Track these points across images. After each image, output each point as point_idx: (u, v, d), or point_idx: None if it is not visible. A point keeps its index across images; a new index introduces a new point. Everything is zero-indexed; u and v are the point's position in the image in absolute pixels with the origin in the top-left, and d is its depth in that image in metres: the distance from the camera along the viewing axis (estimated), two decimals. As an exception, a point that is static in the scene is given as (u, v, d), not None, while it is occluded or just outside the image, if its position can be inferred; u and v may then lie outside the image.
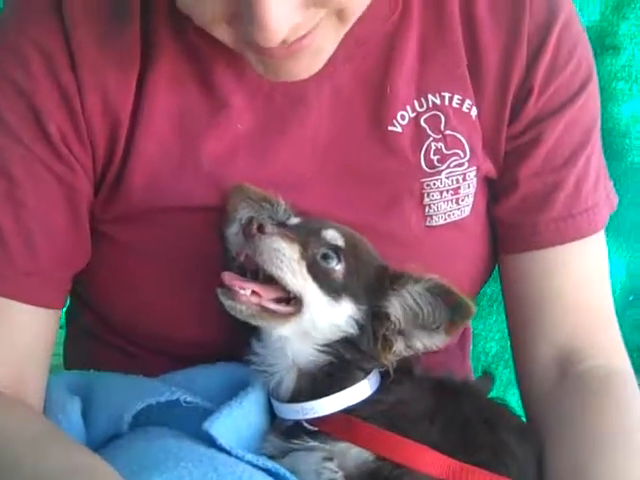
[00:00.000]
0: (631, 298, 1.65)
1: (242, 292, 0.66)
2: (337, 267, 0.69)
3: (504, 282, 0.84)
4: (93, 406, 0.74)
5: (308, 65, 0.70)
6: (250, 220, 0.68)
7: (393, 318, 0.70)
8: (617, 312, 1.62)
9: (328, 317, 0.69)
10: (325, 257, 0.69)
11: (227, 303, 0.67)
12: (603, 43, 1.54)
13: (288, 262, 0.67)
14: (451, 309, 0.68)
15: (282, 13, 0.62)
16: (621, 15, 1.52)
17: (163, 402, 0.70)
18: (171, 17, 0.74)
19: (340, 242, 0.70)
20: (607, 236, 1.56)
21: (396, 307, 0.70)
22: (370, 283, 0.70)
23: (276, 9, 0.62)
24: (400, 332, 0.69)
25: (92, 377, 0.78)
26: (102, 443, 0.72)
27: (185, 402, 0.70)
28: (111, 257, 0.77)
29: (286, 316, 0.68)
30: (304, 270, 0.67)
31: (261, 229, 0.66)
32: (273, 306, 0.67)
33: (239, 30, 0.66)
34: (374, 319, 0.70)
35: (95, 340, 0.85)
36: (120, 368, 0.78)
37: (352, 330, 0.69)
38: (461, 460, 0.67)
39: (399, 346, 0.70)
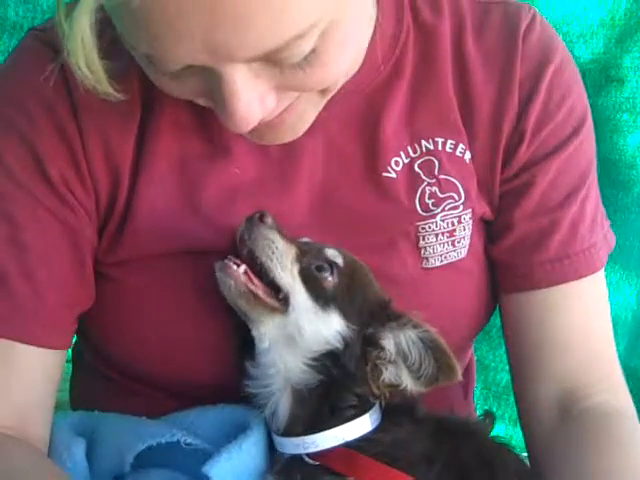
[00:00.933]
0: (645, 327, 1.64)
1: (235, 268, 0.69)
2: (329, 278, 0.71)
3: (504, 321, 0.85)
4: (97, 447, 0.75)
5: (290, 132, 0.72)
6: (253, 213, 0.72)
7: (385, 347, 0.71)
8: (631, 340, 1.62)
9: (314, 325, 0.70)
10: (319, 268, 0.71)
11: (219, 275, 0.70)
12: (608, 75, 1.55)
13: (279, 255, 0.69)
14: (438, 367, 0.70)
15: (252, 101, 0.64)
16: (625, 48, 1.54)
17: (164, 443, 0.71)
18: None
19: (339, 260, 0.72)
20: (616, 266, 1.58)
21: (390, 340, 0.71)
22: (367, 308, 0.72)
23: (246, 98, 0.63)
24: (390, 362, 0.70)
25: (96, 418, 0.79)
26: (105, 484, 0.73)
27: (185, 444, 0.71)
28: (112, 298, 0.79)
29: (272, 309, 0.70)
30: (295, 270, 0.70)
31: (262, 218, 0.70)
32: (261, 293, 0.70)
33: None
34: (365, 342, 0.71)
35: (98, 377, 0.86)
36: (122, 405, 0.80)
37: (338, 344, 0.71)
38: (460, 502, 0.67)
39: (389, 375, 0.70)
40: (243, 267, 0.70)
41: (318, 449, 0.70)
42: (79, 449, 0.74)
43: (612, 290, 1.55)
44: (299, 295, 0.70)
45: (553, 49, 0.81)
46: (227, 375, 0.74)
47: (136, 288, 0.77)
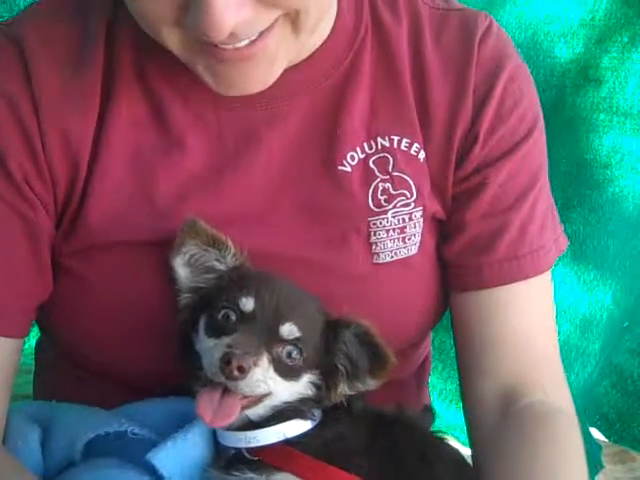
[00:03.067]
0: (626, 324, 1.66)
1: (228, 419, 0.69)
2: (299, 358, 0.72)
3: (453, 320, 0.87)
4: (51, 435, 0.77)
5: (261, 77, 0.74)
6: (228, 359, 0.68)
7: (340, 367, 0.73)
8: (612, 339, 1.65)
9: (290, 392, 0.72)
10: (289, 354, 0.71)
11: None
12: (586, 75, 1.57)
13: (264, 380, 0.70)
14: (372, 357, 0.71)
15: (229, 6, 0.65)
16: (603, 48, 1.55)
17: (112, 433, 0.73)
18: (133, 60, 0.79)
19: (297, 334, 0.72)
20: (590, 266, 1.59)
21: (339, 356, 0.73)
22: (319, 346, 0.73)
23: (223, 2, 0.65)
24: (345, 376, 0.73)
25: (52, 407, 0.81)
26: (58, 472, 0.76)
27: (132, 433, 0.73)
28: (68, 289, 0.81)
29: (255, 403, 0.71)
30: (272, 372, 0.70)
31: (241, 370, 0.68)
32: (247, 409, 0.71)
33: (188, 30, 0.69)
34: (325, 374, 0.73)
35: (59, 370, 0.88)
36: (79, 397, 0.82)
37: (310, 392, 0.73)
38: (395, 494, 0.70)
39: (343, 389, 0.73)
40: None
41: (259, 444, 0.72)
42: (34, 437, 0.76)
43: (586, 290, 1.57)
44: (279, 387, 0.71)
45: (507, 56, 0.84)
46: (178, 367, 0.76)
47: (90, 278, 0.79)
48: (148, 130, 0.79)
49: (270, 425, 0.72)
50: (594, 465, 1.63)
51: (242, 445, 0.72)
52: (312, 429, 0.73)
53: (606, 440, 1.72)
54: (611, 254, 1.56)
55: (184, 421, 0.74)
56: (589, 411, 1.72)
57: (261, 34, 0.70)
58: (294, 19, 0.71)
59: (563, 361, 1.59)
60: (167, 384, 0.77)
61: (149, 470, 0.70)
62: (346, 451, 0.71)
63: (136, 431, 0.73)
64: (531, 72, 1.56)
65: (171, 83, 0.79)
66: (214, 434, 0.75)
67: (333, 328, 0.73)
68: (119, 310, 0.79)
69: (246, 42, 0.70)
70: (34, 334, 0.97)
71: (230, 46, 0.69)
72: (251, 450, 0.72)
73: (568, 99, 1.57)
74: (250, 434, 0.72)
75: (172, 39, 0.72)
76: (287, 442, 0.72)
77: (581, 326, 1.58)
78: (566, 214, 1.56)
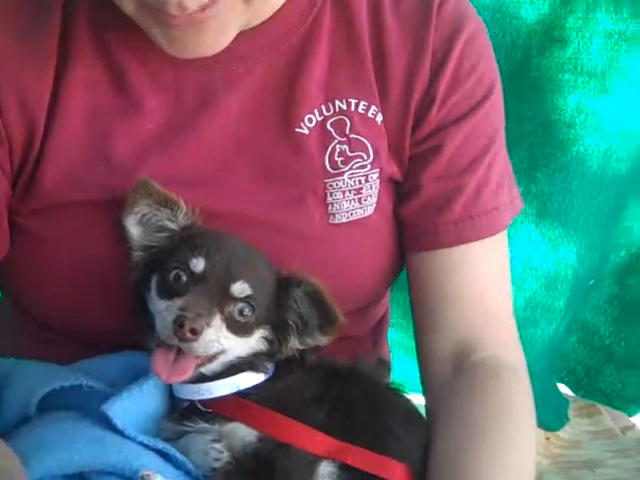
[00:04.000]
0: (592, 282, 1.70)
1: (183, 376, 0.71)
2: (250, 315, 0.73)
3: (409, 280, 0.89)
4: (6, 392, 0.78)
5: (213, 41, 0.74)
6: (180, 323, 0.69)
7: (291, 323, 0.75)
8: (579, 297, 1.68)
9: (242, 348, 0.74)
10: (241, 312, 0.73)
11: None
12: (552, 35, 1.57)
13: (217, 339, 0.71)
14: (322, 315, 0.73)
15: None
16: (568, 8, 1.56)
17: (67, 387, 0.75)
18: (90, 21, 0.79)
19: (249, 292, 0.73)
20: (554, 223, 1.62)
21: (290, 312, 0.75)
22: (270, 303, 0.74)
23: None
24: (295, 331, 0.75)
25: (8, 363, 0.82)
26: (13, 427, 0.77)
27: (87, 387, 0.75)
28: (25, 248, 0.82)
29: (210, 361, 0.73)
30: (225, 331, 0.72)
31: (194, 332, 0.69)
32: (202, 367, 0.73)
33: None
34: (277, 329, 0.75)
35: (18, 329, 0.89)
36: (40, 356, 0.83)
37: (262, 347, 0.75)
38: (345, 441, 0.72)
39: (294, 343, 0.75)
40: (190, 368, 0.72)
41: (212, 396, 0.74)
42: None
43: (552, 248, 1.60)
44: (232, 344, 0.73)
45: (465, 20, 0.85)
46: (135, 325, 0.78)
47: (47, 237, 0.81)
48: (105, 90, 0.80)
49: (223, 378, 0.73)
50: (560, 418, 1.68)
51: (196, 397, 0.74)
52: (265, 381, 0.75)
53: (574, 395, 1.77)
54: (575, 212, 1.58)
55: (139, 374, 0.75)
56: (557, 367, 1.77)
57: (212, 1, 0.71)
58: None
59: (529, 318, 1.65)
60: (125, 341, 0.79)
61: (104, 422, 0.72)
62: (297, 401, 0.73)
63: (91, 384, 0.75)
64: (497, 34, 1.59)
65: (128, 44, 0.80)
66: (169, 387, 0.76)
67: (284, 285, 0.75)
68: (76, 269, 0.80)
69: (196, 9, 0.70)
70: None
71: (180, 12, 0.70)
72: (204, 402, 0.74)
73: (534, 60, 1.58)
74: (204, 386, 0.73)
75: (127, 2, 0.72)
76: (240, 394, 0.74)
77: (546, 283, 1.61)
78: (531, 173, 1.58)
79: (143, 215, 0.77)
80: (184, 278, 0.72)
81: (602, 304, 1.72)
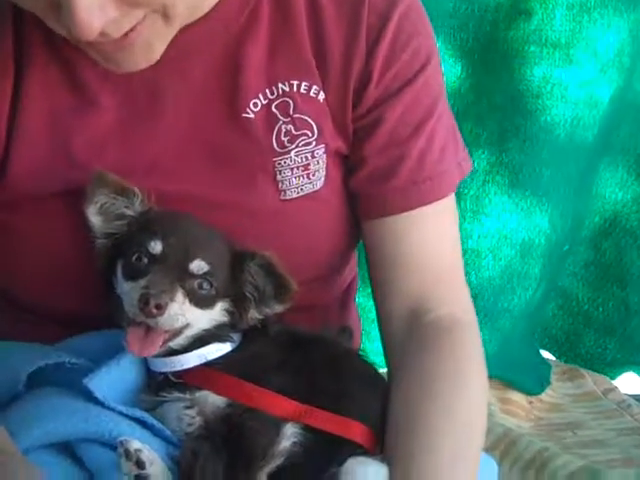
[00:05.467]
0: (566, 248, 1.75)
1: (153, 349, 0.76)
2: (210, 288, 0.78)
3: (365, 246, 0.93)
4: (-5, 371, 0.84)
5: (144, 57, 0.79)
6: (145, 300, 0.74)
7: (248, 295, 0.80)
8: (554, 263, 1.73)
9: (206, 320, 0.79)
10: (201, 286, 0.78)
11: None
12: (517, 8, 1.61)
13: (182, 312, 0.76)
14: (276, 285, 0.79)
15: (91, 7, 0.70)
16: (533, -19, 1.59)
17: (52, 364, 0.80)
18: (41, 26, 0.82)
19: (206, 268, 0.78)
20: (526, 192, 1.67)
21: (246, 285, 0.80)
22: (228, 276, 0.79)
23: (85, 3, 0.70)
24: (253, 302, 0.80)
25: (-5, 345, 0.88)
26: (3, 404, 0.82)
27: (70, 363, 0.80)
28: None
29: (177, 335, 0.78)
30: (188, 305, 0.77)
31: (159, 307, 0.74)
32: (170, 341, 0.78)
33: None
34: (236, 301, 0.80)
35: (0, 312, 0.94)
36: (24, 336, 0.88)
37: (224, 318, 0.80)
38: (308, 404, 0.77)
39: (253, 313, 0.80)
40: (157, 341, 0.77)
41: (183, 367, 0.79)
42: None
43: (524, 216, 1.65)
44: (195, 316, 0.78)
45: None
46: (105, 308, 0.83)
47: (16, 227, 0.86)
48: (62, 91, 0.85)
49: (192, 350, 0.79)
50: (542, 383, 1.74)
51: (168, 369, 0.79)
52: (231, 351, 0.80)
53: (556, 360, 1.82)
54: (546, 181, 1.63)
55: (117, 351, 0.80)
56: (538, 333, 1.82)
57: (133, 27, 0.75)
58: (163, 13, 0.76)
59: (505, 285, 1.70)
60: (100, 324, 0.84)
61: (86, 395, 0.77)
62: (262, 368, 0.79)
63: (74, 361, 0.80)
64: (466, 8, 1.63)
65: (78, 47, 0.83)
66: (145, 361, 0.81)
67: (239, 259, 0.80)
68: (45, 258, 0.85)
69: (118, 36, 0.75)
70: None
71: (104, 40, 0.74)
72: (176, 373, 0.79)
73: (501, 33, 1.62)
74: (175, 359, 0.79)
75: (57, 28, 0.76)
76: (209, 364, 0.79)
77: (521, 251, 1.66)
78: (503, 144, 1.63)
79: (102, 205, 0.81)
80: (145, 260, 0.77)
81: (578, 270, 1.77)
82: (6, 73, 0.83)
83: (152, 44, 0.78)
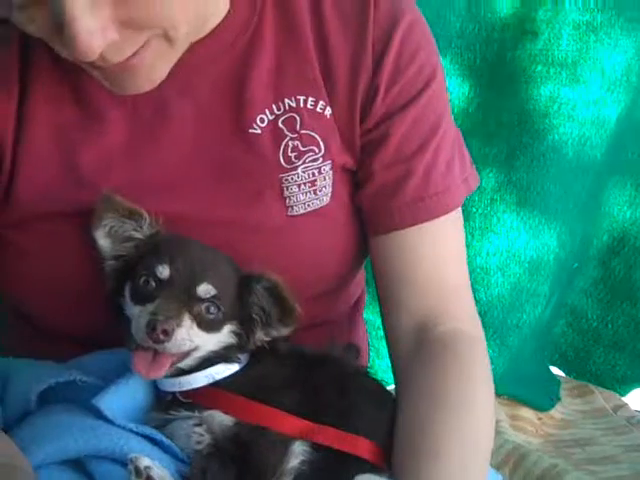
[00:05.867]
0: (575, 266, 1.75)
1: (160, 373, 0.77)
2: (217, 312, 0.79)
3: (372, 262, 0.94)
4: (8, 389, 0.85)
5: (147, 80, 0.80)
6: (153, 326, 0.75)
7: (255, 317, 0.81)
8: (563, 281, 1.73)
9: (214, 343, 0.80)
10: (208, 310, 0.79)
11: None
12: (523, 28, 1.63)
13: (189, 337, 0.78)
14: (281, 308, 0.80)
15: (92, 29, 0.71)
16: (538, 1, 1.61)
17: (62, 382, 0.82)
18: (48, 48, 0.83)
19: (213, 292, 0.79)
20: (534, 211, 1.67)
21: (253, 307, 0.81)
22: (235, 299, 0.80)
23: (85, 24, 0.71)
24: (260, 324, 0.81)
25: (8, 363, 0.90)
26: (16, 421, 0.84)
27: (81, 382, 0.82)
28: (7, 257, 0.88)
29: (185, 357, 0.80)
30: (195, 329, 0.78)
31: (166, 333, 0.76)
32: (178, 363, 0.79)
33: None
34: (243, 323, 0.81)
35: (15, 331, 0.97)
36: (36, 355, 0.89)
37: (232, 340, 0.81)
38: (316, 422, 0.78)
39: (260, 335, 0.81)
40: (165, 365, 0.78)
41: (191, 387, 0.80)
42: None
43: (532, 234, 1.66)
44: (203, 340, 0.79)
45: (402, 13, 0.90)
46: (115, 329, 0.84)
47: (25, 247, 0.87)
48: (68, 107, 0.86)
49: (200, 370, 0.80)
50: (551, 398, 1.74)
51: (176, 389, 0.80)
52: (239, 371, 0.81)
53: (566, 376, 1.82)
54: (554, 199, 1.64)
55: (126, 369, 0.82)
56: (548, 350, 1.82)
57: (136, 52, 0.76)
58: (165, 36, 0.77)
59: (514, 302, 1.70)
60: (110, 340, 0.85)
61: (96, 412, 0.79)
62: (269, 388, 0.80)
63: (84, 379, 0.82)
64: (473, 29, 1.65)
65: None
66: (153, 380, 0.82)
67: (245, 282, 0.81)
68: (56, 277, 0.87)
69: (121, 60, 0.76)
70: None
71: (106, 64, 0.76)
72: (184, 393, 0.80)
73: (508, 53, 1.63)
74: (183, 379, 0.80)
75: (60, 49, 0.78)
76: (216, 384, 0.80)
77: (530, 269, 1.67)
78: (510, 163, 1.64)
79: (111, 227, 0.83)
80: (153, 284, 0.78)
81: (588, 287, 1.77)
82: (10, 90, 0.84)
83: (155, 67, 0.79)
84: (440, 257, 0.91)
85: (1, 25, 0.81)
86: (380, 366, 1.48)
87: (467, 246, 0.99)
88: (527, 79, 1.61)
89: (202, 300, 0.78)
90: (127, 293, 0.81)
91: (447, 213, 0.91)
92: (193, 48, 0.83)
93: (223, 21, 0.87)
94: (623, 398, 1.75)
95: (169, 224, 0.84)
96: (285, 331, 0.81)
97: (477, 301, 0.96)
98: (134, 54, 0.76)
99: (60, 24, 0.72)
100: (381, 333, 1.49)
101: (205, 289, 0.78)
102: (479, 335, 0.91)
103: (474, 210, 1.63)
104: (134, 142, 0.87)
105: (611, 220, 1.74)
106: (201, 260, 0.80)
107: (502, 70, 1.64)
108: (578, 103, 1.60)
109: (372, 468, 0.79)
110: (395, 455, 0.81)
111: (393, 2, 0.90)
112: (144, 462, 0.73)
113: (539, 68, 1.60)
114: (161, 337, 0.75)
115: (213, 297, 0.79)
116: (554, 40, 1.60)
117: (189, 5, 0.77)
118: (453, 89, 1.60)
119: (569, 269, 1.74)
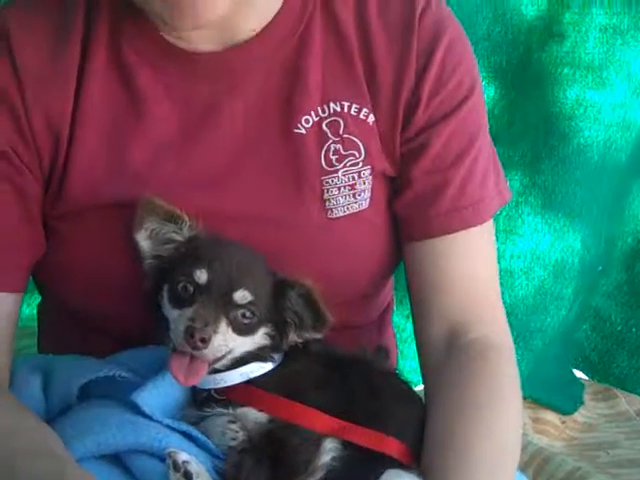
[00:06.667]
0: (599, 269, 1.75)
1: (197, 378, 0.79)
2: (253, 317, 0.81)
3: (406, 268, 0.96)
4: (51, 383, 0.88)
5: (208, 9, 0.82)
6: (191, 333, 0.77)
7: (289, 320, 0.83)
8: (587, 284, 1.73)
9: (249, 344, 0.82)
10: (244, 315, 0.81)
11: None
12: (550, 31, 1.63)
13: (225, 343, 0.79)
14: (313, 314, 0.81)
15: None
16: (565, 4, 1.62)
17: (102, 377, 0.84)
18: (107, 42, 0.88)
19: (250, 298, 0.81)
20: (559, 214, 1.68)
21: (287, 311, 0.82)
22: (270, 304, 0.82)
23: None
24: (294, 327, 0.83)
25: (51, 359, 0.93)
26: (58, 414, 0.87)
27: (120, 377, 0.84)
28: (57, 249, 0.91)
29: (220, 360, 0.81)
30: (231, 334, 0.80)
31: (204, 341, 0.77)
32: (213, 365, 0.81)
33: None
34: (277, 326, 0.83)
35: (57, 328, 1.00)
36: (78, 350, 0.93)
37: (266, 341, 0.83)
38: (347, 421, 0.80)
39: (293, 337, 0.83)
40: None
41: (226, 385, 0.82)
42: (36, 384, 0.88)
43: (557, 237, 1.66)
44: (238, 344, 0.81)
45: (445, 27, 0.93)
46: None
47: (75, 239, 0.90)
48: (121, 103, 0.89)
49: (235, 368, 0.82)
50: (575, 402, 1.74)
51: (211, 386, 0.82)
52: (273, 369, 0.83)
53: (590, 380, 1.82)
54: (579, 202, 1.64)
55: (163, 366, 0.83)
56: (572, 353, 1.82)
57: None
58: None
59: (538, 305, 1.71)
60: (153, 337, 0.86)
61: (134, 408, 0.81)
62: (302, 387, 0.82)
63: (123, 375, 0.84)
64: (500, 31, 1.66)
65: (142, 57, 0.89)
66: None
67: (280, 288, 0.83)
68: (102, 269, 0.89)
69: None
70: (36, 298, 1.09)
71: None
72: (219, 390, 0.82)
73: (534, 55, 1.64)
74: (218, 376, 0.82)
75: None
76: (250, 382, 0.82)
77: (554, 271, 1.68)
78: (536, 166, 1.65)
79: (152, 230, 0.85)
80: (191, 289, 0.80)
81: (612, 291, 1.78)
82: (68, 85, 0.88)
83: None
84: (472, 266, 0.93)
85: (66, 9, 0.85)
86: (404, 367, 1.49)
87: (493, 249, 1.00)
88: (553, 82, 1.62)
89: (239, 306, 0.80)
90: (165, 295, 0.83)
91: (481, 224, 0.93)
92: (244, 48, 0.86)
93: (273, 21, 0.90)
94: (646, 401, 1.76)
95: (213, 220, 0.85)
96: (317, 335, 0.83)
97: (501, 303, 0.97)
98: None
99: None
100: (405, 335, 1.51)
101: (242, 295, 0.80)
102: (509, 342, 0.93)
103: (499, 213, 1.64)
104: (183, 138, 0.89)
105: (636, 223, 1.74)
106: (238, 265, 0.81)
107: (528, 73, 1.65)
108: (604, 106, 1.61)
109: (401, 466, 0.80)
110: (424, 455, 0.82)
111: (437, 16, 0.92)
112: (182, 457, 0.75)
113: (565, 71, 1.61)
114: (199, 345, 0.77)
115: (249, 303, 0.80)
116: (580, 43, 1.61)
117: None
118: (479, 91, 1.61)
119: (593, 272, 1.74)
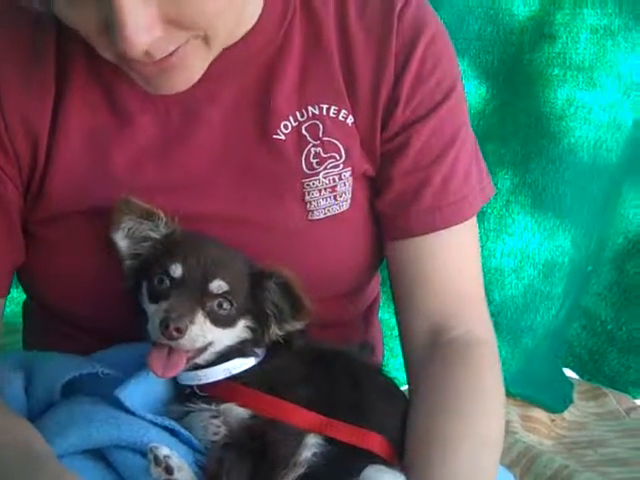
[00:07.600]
0: (589, 268, 1.76)
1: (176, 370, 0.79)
2: (230, 308, 0.81)
3: (388, 266, 0.97)
4: (33, 380, 0.88)
5: (182, 80, 0.83)
6: (166, 324, 0.77)
7: (268, 312, 0.83)
8: (577, 283, 1.74)
9: (229, 338, 0.82)
10: (221, 306, 0.81)
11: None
12: (541, 31, 1.64)
13: (203, 333, 0.80)
14: (292, 304, 0.82)
15: (140, 23, 0.74)
16: (557, 5, 1.62)
17: (85, 374, 0.85)
18: (82, 51, 0.88)
19: (226, 287, 0.81)
20: (549, 213, 1.69)
21: (266, 302, 0.83)
22: (248, 294, 0.83)
23: (134, 19, 0.74)
24: (274, 319, 0.83)
25: (33, 356, 0.93)
26: (40, 412, 0.87)
27: (103, 374, 0.84)
28: (38, 254, 0.92)
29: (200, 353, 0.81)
30: (209, 325, 0.80)
31: (179, 330, 0.78)
32: (194, 359, 0.81)
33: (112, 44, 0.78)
34: (257, 318, 0.83)
35: (41, 325, 1.00)
36: (61, 348, 0.93)
37: (247, 335, 0.83)
38: (329, 416, 0.80)
39: (274, 330, 0.83)
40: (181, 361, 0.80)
41: (208, 381, 0.82)
42: (18, 382, 0.88)
43: (547, 236, 1.67)
44: (217, 336, 0.81)
45: (425, 24, 0.93)
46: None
47: (56, 244, 0.90)
48: (100, 111, 0.89)
49: (217, 364, 0.82)
50: (564, 400, 1.75)
51: (194, 382, 0.83)
52: (255, 365, 0.83)
53: (579, 378, 1.83)
54: (569, 201, 1.65)
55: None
56: (562, 352, 1.83)
57: (176, 49, 0.79)
58: (204, 37, 0.80)
59: (528, 304, 1.72)
60: (131, 335, 0.87)
61: (118, 404, 0.81)
62: (285, 382, 0.82)
63: (106, 371, 0.85)
64: (492, 31, 1.66)
65: (118, 69, 0.88)
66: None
67: (258, 278, 0.83)
68: (83, 273, 0.90)
69: (162, 56, 0.79)
70: (22, 295, 1.09)
71: (148, 60, 0.79)
72: (202, 387, 0.83)
73: (525, 55, 1.64)
74: (200, 373, 0.82)
75: (101, 47, 0.81)
76: (233, 377, 0.82)
77: (544, 270, 1.68)
78: (526, 165, 1.65)
79: (129, 229, 0.85)
80: (167, 283, 0.81)
81: (602, 290, 1.78)
82: (47, 94, 0.88)
83: (192, 67, 0.82)
84: (455, 264, 0.93)
85: (40, 26, 0.84)
86: (394, 365, 1.50)
87: (481, 247, 1.01)
88: (544, 82, 1.62)
89: (215, 296, 0.80)
90: (144, 291, 0.83)
91: (463, 221, 0.93)
92: (222, 54, 0.86)
93: (254, 28, 0.90)
94: (636, 401, 1.76)
95: (194, 223, 0.86)
96: (298, 325, 0.83)
97: (491, 302, 0.98)
98: (173, 52, 0.79)
99: (108, 20, 0.75)
100: (396, 332, 1.51)
101: (217, 285, 0.81)
102: (491, 337, 0.94)
103: (489, 211, 1.65)
104: (163, 145, 0.90)
105: (626, 223, 1.75)
106: (213, 257, 0.82)
107: (519, 73, 1.65)
108: (594, 106, 1.61)
109: (383, 462, 0.81)
110: (407, 448, 0.83)
111: (416, 14, 0.92)
112: (163, 451, 0.76)
113: (556, 71, 1.61)
114: (174, 334, 0.77)
115: (225, 293, 0.81)
116: (571, 44, 1.61)
117: (230, 8, 0.80)
118: (470, 91, 1.61)
119: (583, 271, 1.75)
